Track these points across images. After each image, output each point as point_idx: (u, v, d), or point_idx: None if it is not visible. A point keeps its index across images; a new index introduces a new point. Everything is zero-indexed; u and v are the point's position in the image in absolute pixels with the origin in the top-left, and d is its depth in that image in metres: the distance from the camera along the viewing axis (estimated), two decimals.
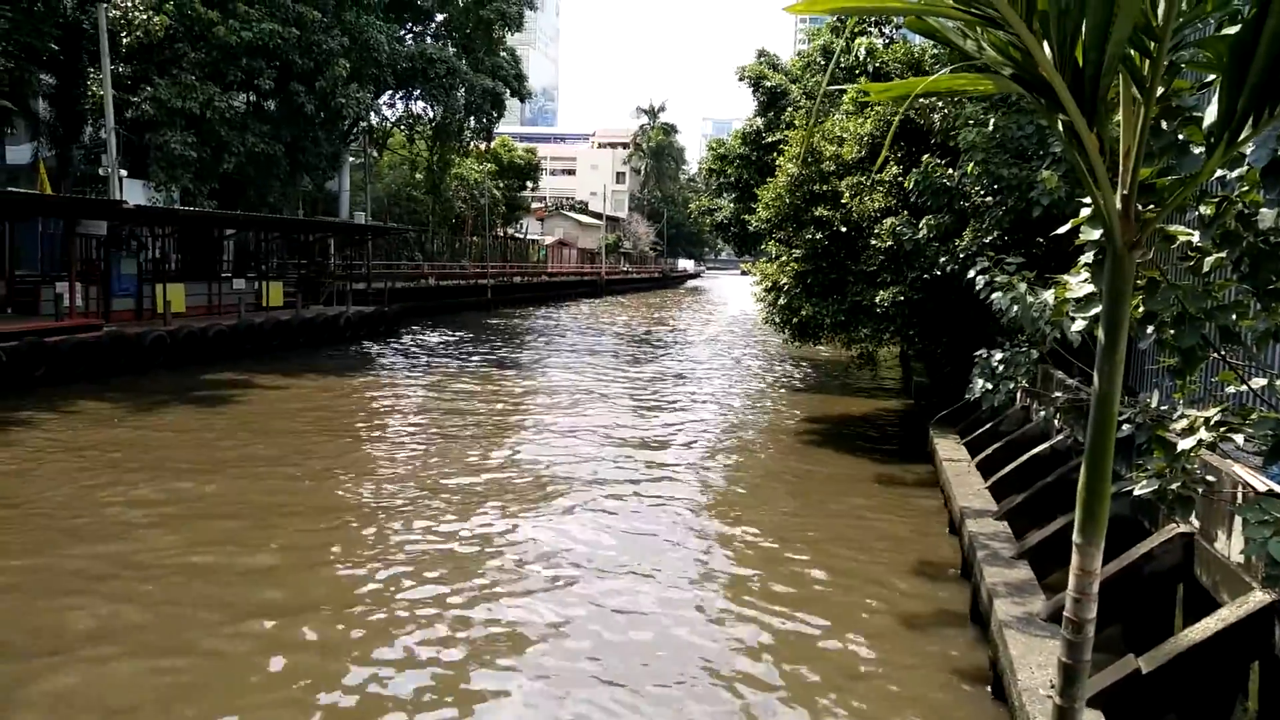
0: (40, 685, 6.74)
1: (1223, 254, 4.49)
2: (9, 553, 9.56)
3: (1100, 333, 3.39)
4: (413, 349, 32.74)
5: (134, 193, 30.03)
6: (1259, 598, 5.41)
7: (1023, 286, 7.99)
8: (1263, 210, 4.32)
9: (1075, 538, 3.53)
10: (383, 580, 9.17)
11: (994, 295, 8.25)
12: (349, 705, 6.67)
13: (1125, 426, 5.48)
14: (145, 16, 30.85)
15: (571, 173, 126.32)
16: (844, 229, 15.75)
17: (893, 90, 3.45)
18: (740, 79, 27.07)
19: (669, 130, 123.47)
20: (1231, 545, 5.98)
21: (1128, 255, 3.30)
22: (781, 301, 16.77)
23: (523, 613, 8.41)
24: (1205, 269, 4.68)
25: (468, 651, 7.57)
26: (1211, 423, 4.65)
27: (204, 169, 32.63)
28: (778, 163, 17.45)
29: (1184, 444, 4.61)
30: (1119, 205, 3.23)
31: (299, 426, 17.41)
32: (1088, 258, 4.88)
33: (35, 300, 24.55)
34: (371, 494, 12.58)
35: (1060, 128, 3.15)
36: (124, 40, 31.07)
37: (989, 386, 8.86)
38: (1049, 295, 7.72)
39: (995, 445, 12.23)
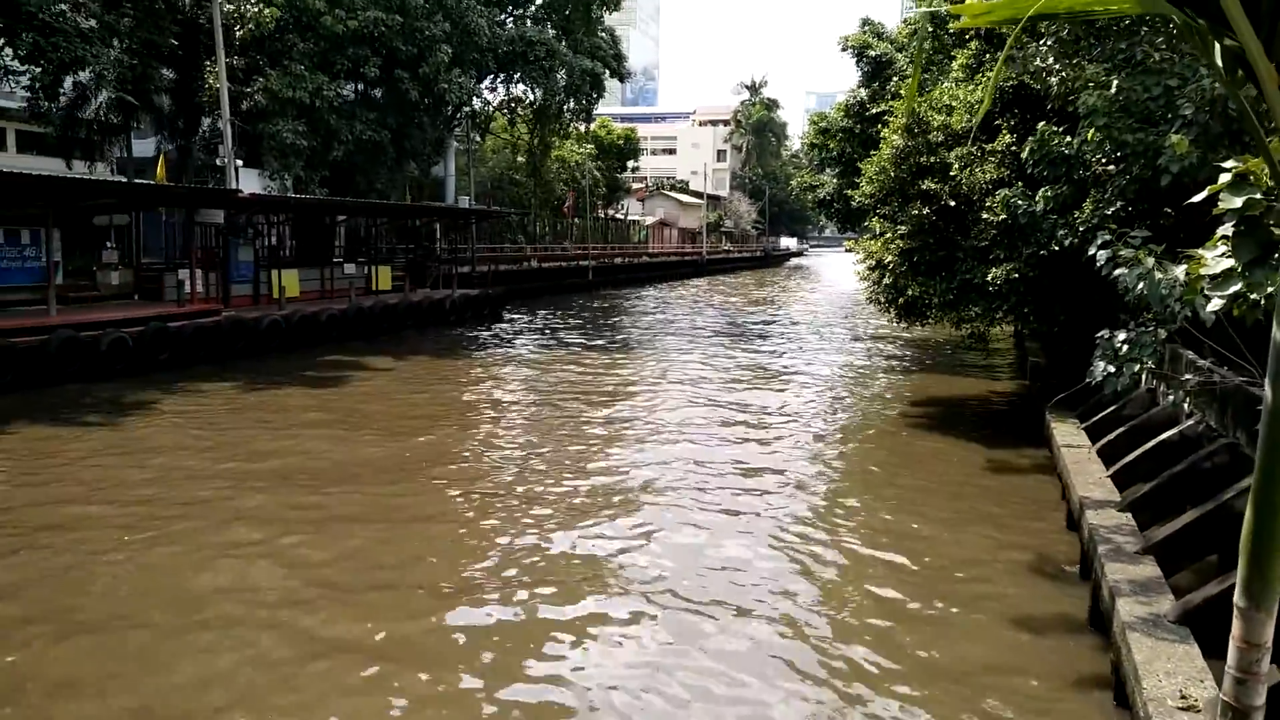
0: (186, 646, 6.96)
1: None
2: (157, 517, 9.97)
3: (1276, 327, 2.75)
4: (516, 331, 33.12)
5: (249, 182, 31.13)
6: None
7: (1150, 261, 7.40)
8: None
9: (1238, 599, 2.88)
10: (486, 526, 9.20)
11: (1118, 271, 7.66)
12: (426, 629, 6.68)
13: None
14: (257, 9, 31.85)
15: (672, 152, 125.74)
16: (953, 203, 15.04)
17: (995, 12, 2.82)
18: (843, 49, 26.29)
19: (770, 105, 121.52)
20: None
21: None
22: (886, 280, 16.16)
23: (625, 581, 8.32)
24: None
25: (567, 594, 7.51)
26: None
27: (314, 157, 33.57)
28: (882, 135, 16.78)
29: None
30: None
31: (404, 406, 17.76)
32: (1227, 229, 4.38)
33: (159, 287, 25.73)
34: (475, 468, 12.68)
35: (1219, 61, 2.51)
36: (237, 33, 32.14)
37: (1112, 369, 8.25)
38: (1180, 271, 7.12)
39: (1118, 431, 11.49)
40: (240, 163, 30.78)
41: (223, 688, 6.60)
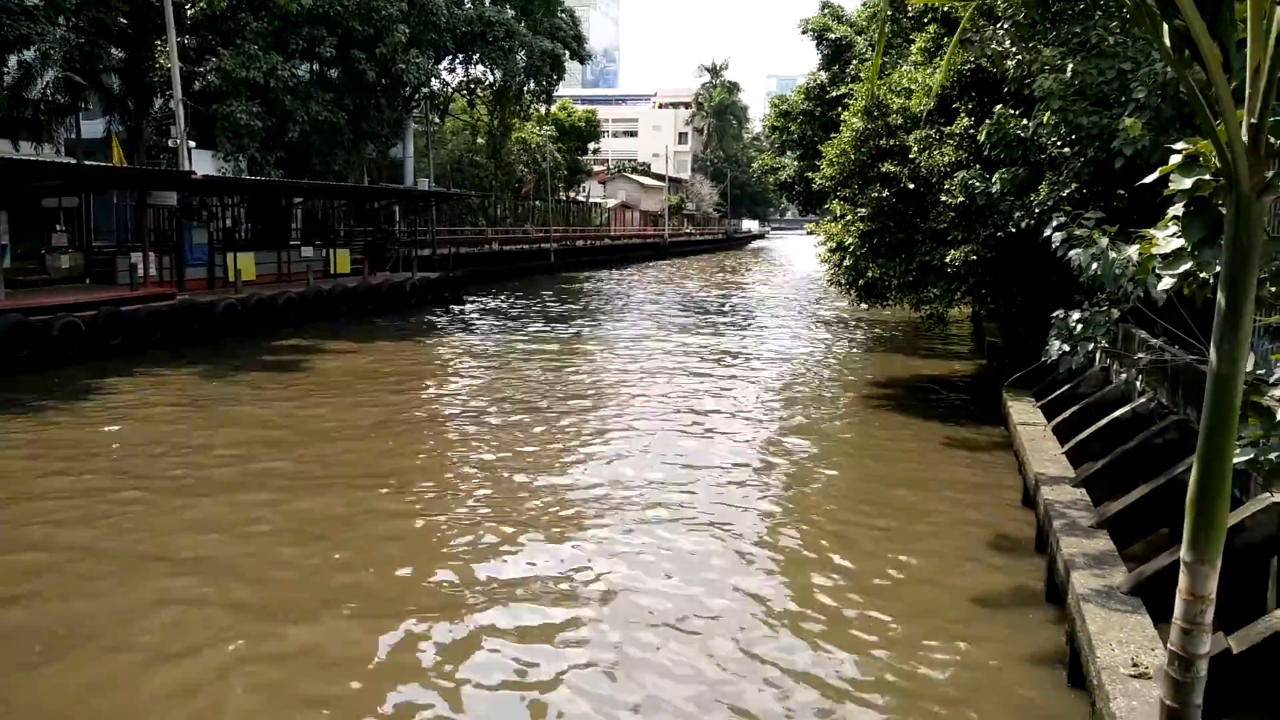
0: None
1: None
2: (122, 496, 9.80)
3: (1220, 297, 2.83)
4: (477, 314, 32.93)
5: (203, 163, 30.57)
6: None
7: (1104, 241, 7.53)
8: None
9: (1184, 554, 3.01)
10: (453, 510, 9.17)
11: (1073, 252, 7.79)
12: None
13: None
14: None
15: (633, 134, 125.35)
16: (912, 185, 15.18)
17: None
18: (803, 32, 26.37)
19: (732, 89, 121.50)
20: None
21: (1255, 201, 2.74)
22: (847, 262, 16.30)
23: (586, 558, 8.34)
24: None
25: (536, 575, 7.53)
26: None
27: (269, 138, 33.03)
28: (842, 118, 16.88)
29: None
30: (1245, 137, 2.67)
31: (364, 389, 17.60)
32: (1177, 209, 4.47)
33: (111, 270, 25.22)
34: (431, 456, 12.63)
35: (1167, 41, 2.59)
36: (189, 11, 31.51)
37: (1066, 348, 8.39)
38: (1133, 251, 7.25)
39: (1073, 409, 11.71)
40: (193, 144, 30.21)
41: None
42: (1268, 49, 2.53)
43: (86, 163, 27.92)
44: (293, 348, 22.88)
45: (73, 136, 33.22)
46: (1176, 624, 3.04)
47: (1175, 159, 4.03)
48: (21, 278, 23.55)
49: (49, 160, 28.76)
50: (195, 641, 7.03)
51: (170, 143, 30.37)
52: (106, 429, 14.18)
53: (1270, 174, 2.59)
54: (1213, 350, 2.78)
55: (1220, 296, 2.77)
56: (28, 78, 28.22)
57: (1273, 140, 2.63)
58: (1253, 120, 2.57)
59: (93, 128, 35.05)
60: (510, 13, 45.23)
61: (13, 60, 26.90)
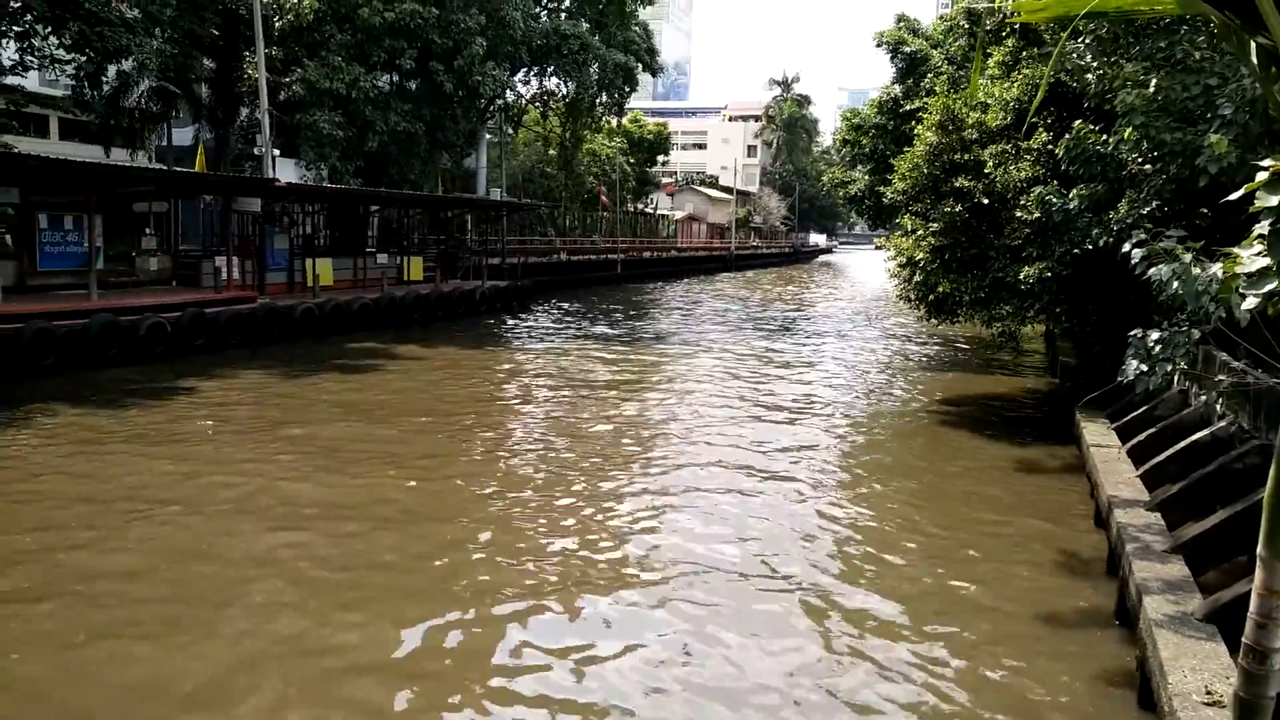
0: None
1: None
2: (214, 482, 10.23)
3: None
4: (544, 322, 33.32)
5: (286, 171, 31.55)
6: None
7: (1187, 258, 7.38)
8: None
9: (1261, 550, 3.01)
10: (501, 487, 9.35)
11: (1153, 269, 7.65)
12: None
13: None
14: (296, 1, 32.21)
15: (702, 147, 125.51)
16: (986, 200, 15.00)
17: (1049, 9, 2.96)
18: (878, 45, 26.20)
19: (802, 102, 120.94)
20: None
21: None
22: (917, 278, 16.14)
23: (639, 579, 8.43)
24: None
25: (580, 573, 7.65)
26: None
27: (350, 147, 33.95)
28: (916, 131, 16.75)
29: None
30: None
31: (433, 396, 17.98)
32: (1263, 227, 4.40)
33: (197, 274, 26.14)
34: (497, 450, 12.86)
35: (1254, 58, 2.55)
36: (276, 24, 32.55)
37: (1144, 368, 8.22)
38: (1216, 269, 7.10)
39: (1149, 431, 11.45)
40: (277, 152, 31.21)
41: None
42: None
43: (176, 169, 29.03)
44: (365, 351, 23.46)
45: (163, 144, 34.56)
46: (1252, 618, 3.03)
47: (1262, 175, 3.98)
48: (113, 279, 24.55)
49: (142, 166, 29.97)
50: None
51: (255, 151, 31.46)
52: (198, 422, 14.73)
53: None
54: None
55: None
56: (125, 87, 29.48)
57: None
58: None
59: (182, 135, 36.46)
60: (585, 26, 45.81)
61: (111, 70, 28.11)
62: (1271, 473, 2.84)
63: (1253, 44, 2.45)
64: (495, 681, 6.70)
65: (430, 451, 13.42)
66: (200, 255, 28.28)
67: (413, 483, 11.69)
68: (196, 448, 13.11)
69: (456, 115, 39.28)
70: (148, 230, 28.52)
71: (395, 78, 37.84)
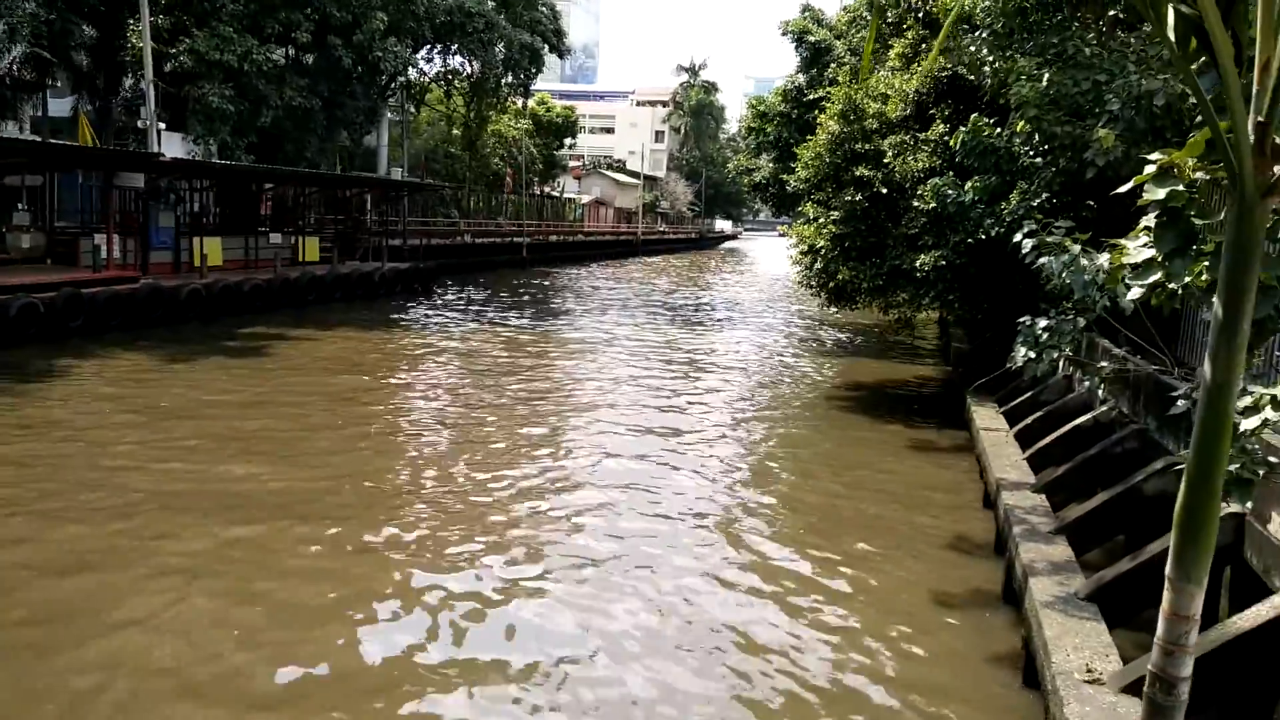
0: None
1: None
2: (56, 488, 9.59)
3: (1216, 304, 2.70)
4: (446, 306, 32.71)
5: (172, 146, 30.06)
6: None
7: (1075, 249, 7.60)
8: None
9: (1170, 571, 2.82)
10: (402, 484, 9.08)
11: (1043, 259, 7.86)
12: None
13: (1181, 402, 5.13)
14: None
15: (610, 131, 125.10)
16: (885, 190, 15.27)
17: None
18: (783, 34, 26.45)
19: (709, 89, 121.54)
20: None
21: (1260, 204, 2.58)
22: (818, 265, 16.36)
23: (541, 564, 8.29)
24: None
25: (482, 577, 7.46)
26: (1278, 399, 4.30)
27: (242, 122, 32.56)
28: (818, 120, 16.94)
29: (1247, 423, 4.26)
30: (1251, 136, 2.49)
31: (325, 379, 17.41)
32: (1149, 220, 4.50)
33: (74, 252, 24.75)
34: (389, 442, 12.50)
35: (1169, 30, 2.42)
36: None
37: (1031, 355, 8.47)
38: (1103, 260, 7.32)
39: (1035, 415, 11.84)
40: (163, 126, 29.68)
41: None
42: (1278, 43, 2.40)
43: (51, 141, 27.37)
44: (255, 334, 22.58)
45: (39, 114, 32.56)
46: (1159, 645, 2.90)
47: (1149, 169, 4.05)
48: None
49: (13, 137, 28.15)
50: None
51: (140, 124, 29.81)
52: (53, 412, 13.90)
53: (1277, 175, 2.49)
54: (1208, 360, 2.65)
55: (1217, 303, 2.66)
56: None
57: (1278, 141, 2.53)
58: (1260, 118, 2.46)
59: (60, 106, 34.42)
60: (490, 4, 44.95)
61: None
62: (1181, 489, 2.75)
63: (1170, 11, 2.38)
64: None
65: (313, 442, 12.93)
66: (79, 232, 26.75)
67: (287, 475, 11.25)
68: (60, 438, 12.37)
69: (356, 92, 38.12)
70: (20, 205, 26.90)
71: (291, 51, 36.45)
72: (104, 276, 22.81)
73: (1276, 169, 2.43)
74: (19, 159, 25.04)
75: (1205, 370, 2.60)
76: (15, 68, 28.47)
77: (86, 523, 9.06)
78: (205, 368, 17.81)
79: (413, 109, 53.48)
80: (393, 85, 43.15)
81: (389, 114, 48.68)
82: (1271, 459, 4.75)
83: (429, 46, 45.03)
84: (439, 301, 33.90)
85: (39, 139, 28.47)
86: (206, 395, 15.40)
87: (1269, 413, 4.27)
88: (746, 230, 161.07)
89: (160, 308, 23.08)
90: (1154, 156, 4.10)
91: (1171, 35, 2.42)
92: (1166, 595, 2.85)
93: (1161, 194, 3.94)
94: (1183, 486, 2.73)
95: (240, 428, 13.21)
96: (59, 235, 26.39)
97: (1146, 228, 4.49)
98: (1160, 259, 4.25)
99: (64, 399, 14.68)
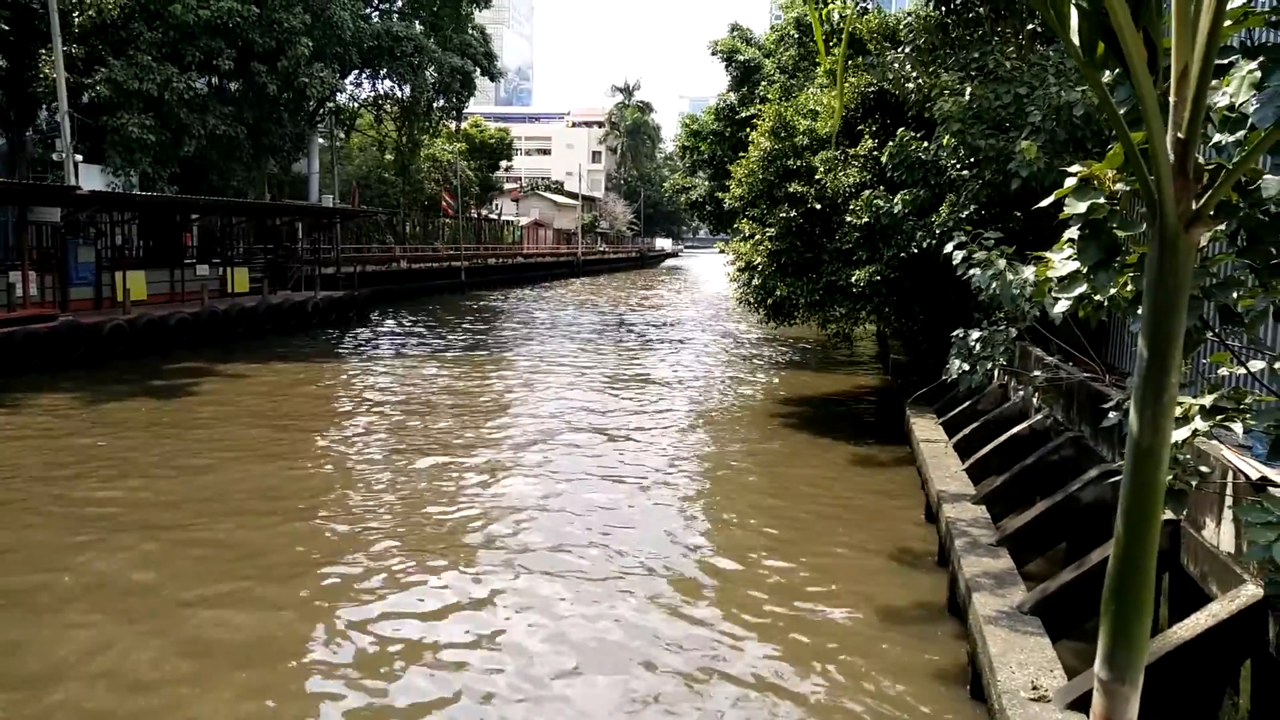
0: None
1: (1220, 226, 4.08)
2: None
3: (1140, 351, 2.40)
4: (383, 334, 32.15)
5: (91, 178, 29.15)
6: (1251, 591, 5.06)
7: (1001, 263, 7.61)
8: (1265, 178, 3.91)
9: (1099, 670, 2.46)
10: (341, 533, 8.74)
11: (972, 272, 7.87)
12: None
13: (1112, 414, 5.09)
14: None
15: (546, 152, 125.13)
16: (818, 205, 15.34)
17: None
18: (713, 54, 26.59)
19: (644, 108, 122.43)
20: (1221, 534, 5.64)
21: (1183, 236, 2.24)
22: (756, 281, 16.36)
23: (484, 595, 8.02)
24: (1200, 243, 4.25)
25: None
26: (1207, 409, 4.27)
27: (163, 152, 31.73)
28: (751, 138, 16.99)
29: (1178, 434, 4.22)
30: (1171, 154, 2.17)
31: (260, 415, 16.88)
32: (1072, 233, 4.47)
33: None
34: (331, 477, 12.12)
35: (1075, 38, 2.13)
36: (76, 19, 30.10)
37: (966, 366, 8.48)
38: (1029, 272, 7.35)
39: (973, 425, 11.89)
40: (80, 158, 28.76)
41: None
42: (1196, 47, 2.06)
43: None
44: (182, 371, 21.88)
45: None
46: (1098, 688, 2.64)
47: (1070, 182, 4.00)
48: None
49: None
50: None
51: (56, 156, 28.87)
52: None
53: (1200, 201, 2.13)
54: (1133, 414, 2.34)
55: (1140, 351, 2.33)
56: None
57: (1200, 162, 2.18)
58: (1179, 135, 2.15)
59: None
60: (419, 28, 44.59)
61: None
62: (1108, 574, 2.44)
63: (1074, 17, 2.12)
64: None
65: (245, 486, 12.49)
66: None
67: (215, 523, 10.81)
68: None
69: (282, 118, 37.44)
70: None
71: (213, 79, 35.68)
72: (20, 315, 21.93)
73: (1197, 196, 2.16)
74: None
75: (1131, 430, 2.33)
76: None
77: None
78: (127, 409, 17.14)
79: (343, 135, 52.77)
80: (321, 111, 42.52)
81: (319, 140, 47.95)
82: (1203, 468, 4.74)
83: (357, 71, 44.50)
84: (375, 330, 33.31)
85: None
86: (127, 438, 14.80)
87: (1198, 423, 4.24)
88: (687, 248, 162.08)
89: (81, 345, 22.26)
90: (1074, 169, 4.05)
91: (1075, 38, 2.19)
92: (1097, 698, 2.37)
93: (1082, 207, 3.89)
94: (1109, 570, 2.38)
95: (159, 472, 12.69)
96: None
97: (1070, 240, 4.45)
98: (1085, 272, 4.20)
99: None
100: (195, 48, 32.23)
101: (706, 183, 26.74)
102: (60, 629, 7.50)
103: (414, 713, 6.40)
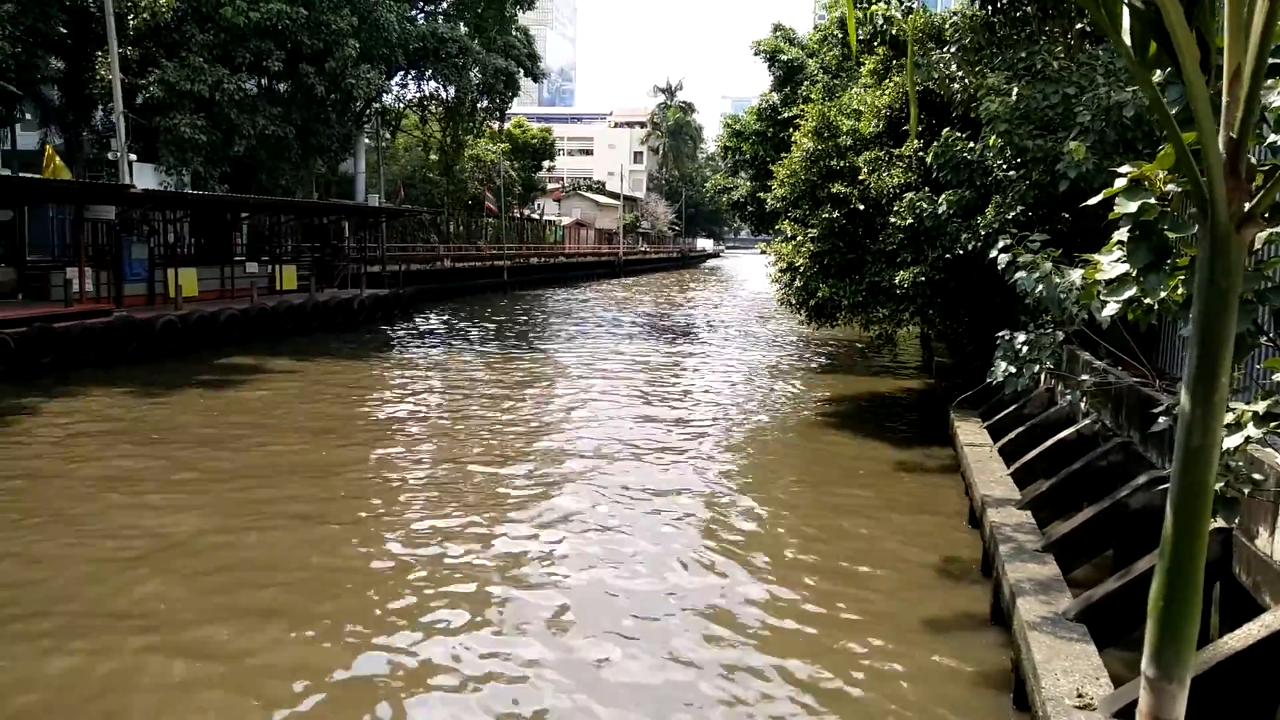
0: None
1: (1276, 229, 4.00)
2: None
3: (1190, 354, 2.37)
4: (427, 332, 32.48)
5: (144, 177, 29.81)
6: None
7: (1048, 265, 7.52)
8: None
9: (1146, 668, 2.50)
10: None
11: (1018, 275, 7.78)
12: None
13: (1162, 420, 5.01)
14: None
15: (589, 153, 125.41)
16: (862, 206, 15.21)
17: None
18: (755, 53, 26.53)
19: (686, 109, 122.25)
20: (1275, 543, 5.53)
21: (1234, 236, 2.22)
22: (798, 283, 16.27)
23: (524, 606, 8.09)
24: (1255, 245, 4.18)
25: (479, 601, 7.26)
26: (1261, 415, 4.18)
27: (214, 152, 32.36)
28: (793, 138, 16.92)
29: (1230, 441, 4.14)
30: (1223, 154, 2.16)
31: (307, 410, 17.16)
32: (1121, 234, 4.40)
33: (46, 286, 24.40)
34: (375, 474, 12.29)
35: (1127, 38, 2.06)
36: (131, 22, 30.78)
37: (1012, 369, 8.38)
38: (1077, 275, 7.25)
39: (1018, 430, 11.74)
40: (134, 157, 29.42)
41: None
42: (1249, 47, 2.03)
43: (22, 175, 27.07)
44: (232, 366, 22.31)
45: (7, 148, 32.24)
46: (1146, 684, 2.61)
47: (1120, 182, 3.94)
48: None
49: None
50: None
51: (111, 155, 29.57)
52: (23, 450, 13.60)
53: (1252, 202, 2.07)
54: (1181, 416, 2.28)
55: (1191, 353, 2.28)
56: None
57: (1253, 162, 2.13)
58: (1232, 135, 2.11)
59: (29, 139, 34.10)
60: (463, 30, 45.00)
61: None
62: (1155, 577, 2.43)
63: (1126, 17, 2.09)
64: None
65: (302, 483, 12.71)
66: (50, 266, 26.39)
67: (280, 515, 11.01)
68: (31, 480, 12.08)
69: (330, 119, 37.97)
70: None
71: (263, 80, 36.31)
72: (76, 310, 22.49)
73: (1250, 196, 2.09)
74: None
75: (1180, 433, 2.28)
76: None
77: (64, 562, 8.81)
78: (181, 402, 17.53)
79: (389, 135, 53.40)
80: (367, 112, 43.07)
81: (365, 140, 48.57)
82: (1256, 476, 4.65)
83: (403, 72, 45.03)
84: (420, 328, 33.66)
85: (9, 173, 28.15)
86: (182, 430, 15.12)
87: (1251, 429, 4.16)
88: (728, 248, 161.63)
89: (135, 340, 22.76)
90: (1124, 169, 3.99)
91: (1127, 38, 2.14)
92: (1144, 696, 2.39)
93: (1133, 207, 3.83)
94: (1157, 573, 2.36)
95: (215, 465, 12.96)
96: (30, 270, 26.02)
97: (1120, 242, 4.38)
98: (1134, 274, 4.14)
99: (34, 436, 14.39)
100: (245, 49, 32.84)
101: (748, 183, 26.69)
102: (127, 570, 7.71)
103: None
